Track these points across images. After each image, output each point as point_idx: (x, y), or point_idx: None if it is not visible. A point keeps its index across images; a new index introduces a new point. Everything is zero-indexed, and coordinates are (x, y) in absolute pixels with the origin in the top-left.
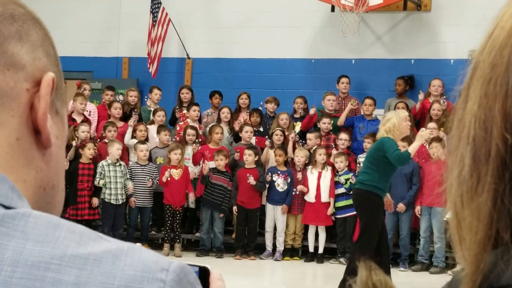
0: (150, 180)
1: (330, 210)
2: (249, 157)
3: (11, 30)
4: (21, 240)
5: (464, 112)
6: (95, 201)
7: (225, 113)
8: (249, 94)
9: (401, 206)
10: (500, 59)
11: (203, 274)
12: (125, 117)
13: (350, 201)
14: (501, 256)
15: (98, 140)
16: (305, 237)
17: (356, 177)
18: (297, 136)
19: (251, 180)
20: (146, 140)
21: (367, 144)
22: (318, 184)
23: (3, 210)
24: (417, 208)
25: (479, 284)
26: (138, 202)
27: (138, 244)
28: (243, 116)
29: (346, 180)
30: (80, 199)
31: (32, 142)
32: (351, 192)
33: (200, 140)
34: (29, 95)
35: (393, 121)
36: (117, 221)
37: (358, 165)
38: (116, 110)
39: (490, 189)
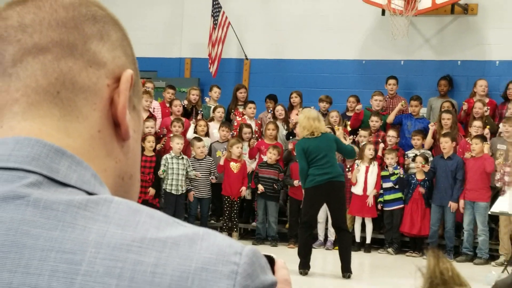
0: (214, 177)
1: (371, 201)
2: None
3: (93, 30)
4: (104, 224)
5: None
6: (151, 191)
7: (279, 110)
8: (300, 93)
9: (453, 206)
10: None
11: (269, 262)
12: (186, 114)
13: (397, 195)
14: None
15: (162, 135)
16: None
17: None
18: (343, 130)
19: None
20: (206, 135)
21: (417, 141)
22: (366, 177)
23: (87, 196)
24: (461, 202)
25: None
26: (197, 194)
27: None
28: (296, 113)
29: (395, 174)
30: (141, 190)
31: (112, 134)
32: (397, 186)
33: (256, 135)
34: (110, 90)
35: None
36: (177, 211)
37: (406, 159)
38: (177, 108)
39: None
